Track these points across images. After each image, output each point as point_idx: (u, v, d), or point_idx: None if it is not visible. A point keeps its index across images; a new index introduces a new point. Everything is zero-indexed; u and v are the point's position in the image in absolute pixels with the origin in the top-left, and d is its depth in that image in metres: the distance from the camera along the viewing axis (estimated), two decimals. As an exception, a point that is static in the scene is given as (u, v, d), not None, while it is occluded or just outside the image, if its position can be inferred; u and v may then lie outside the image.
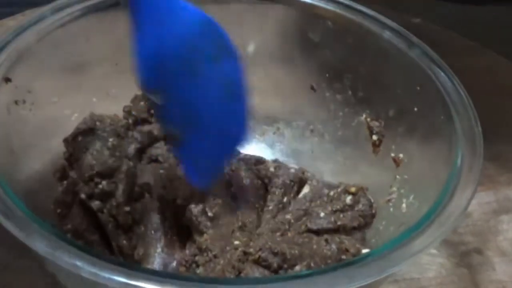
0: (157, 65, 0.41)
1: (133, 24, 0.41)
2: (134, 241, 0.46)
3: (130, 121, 0.51)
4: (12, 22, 0.49)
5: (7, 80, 0.46)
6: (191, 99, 0.43)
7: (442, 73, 0.48)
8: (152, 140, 0.51)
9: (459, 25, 0.77)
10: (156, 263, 0.45)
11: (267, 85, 0.57)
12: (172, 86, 0.43)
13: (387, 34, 0.51)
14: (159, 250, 0.45)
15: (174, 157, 0.49)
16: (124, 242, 0.46)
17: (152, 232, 0.45)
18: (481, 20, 0.83)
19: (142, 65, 0.41)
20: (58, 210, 0.47)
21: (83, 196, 0.47)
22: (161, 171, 0.47)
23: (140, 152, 0.50)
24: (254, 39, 0.56)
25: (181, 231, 0.47)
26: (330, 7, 0.53)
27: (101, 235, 0.46)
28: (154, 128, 0.51)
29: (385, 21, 0.52)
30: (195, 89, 0.43)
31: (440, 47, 0.50)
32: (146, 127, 0.51)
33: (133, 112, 0.51)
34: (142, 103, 0.51)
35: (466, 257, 0.53)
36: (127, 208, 0.46)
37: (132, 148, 0.49)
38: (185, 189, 0.47)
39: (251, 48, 0.56)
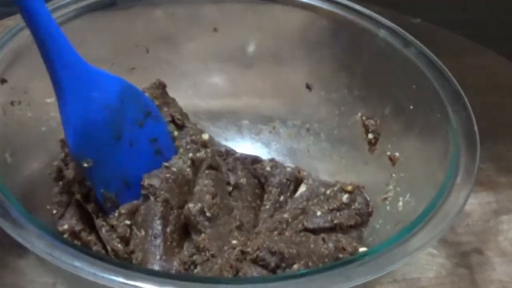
0: (85, 132, 0.44)
1: (57, 95, 0.43)
2: (131, 245, 0.45)
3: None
4: (12, 22, 0.49)
5: (3, 81, 0.46)
6: (119, 161, 0.46)
7: (438, 72, 0.48)
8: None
9: (459, 25, 0.77)
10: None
11: (263, 84, 0.58)
12: (101, 150, 0.45)
13: (382, 33, 0.51)
14: (158, 257, 0.44)
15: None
16: (119, 245, 0.45)
17: (152, 238, 0.45)
18: (481, 20, 0.83)
19: (70, 133, 0.43)
20: (54, 211, 0.47)
21: (78, 197, 0.47)
22: (168, 175, 0.47)
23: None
24: (252, 39, 0.56)
25: (182, 231, 0.47)
26: (326, 6, 0.53)
27: (97, 235, 0.46)
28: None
29: (381, 20, 0.52)
30: (123, 151, 0.46)
31: (440, 47, 0.51)
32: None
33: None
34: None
35: (466, 257, 0.53)
36: (127, 222, 0.46)
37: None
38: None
39: (249, 47, 0.57)
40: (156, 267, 0.44)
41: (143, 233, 0.45)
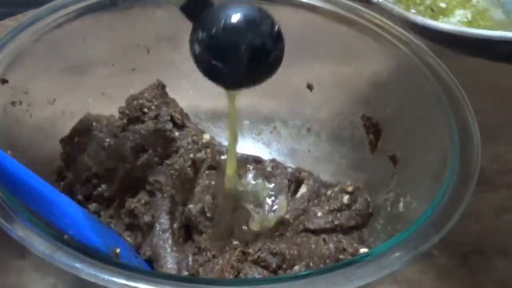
0: None
1: None
2: (139, 239, 0.46)
3: (125, 121, 0.51)
4: (12, 23, 0.49)
5: (4, 81, 0.46)
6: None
7: (439, 73, 0.48)
8: (145, 139, 0.50)
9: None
10: (170, 262, 0.45)
11: (264, 85, 0.57)
12: None
13: (384, 33, 0.51)
14: (168, 250, 0.45)
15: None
16: (128, 239, 0.46)
17: (161, 232, 0.46)
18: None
19: None
20: (56, 211, 0.47)
21: (80, 197, 0.47)
22: (172, 171, 0.47)
23: (136, 151, 0.50)
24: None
25: (185, 230, 0.47)
26: (328, 6, 0.53)
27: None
28: (148, 126, 0.51)
29: (381, 20, 0.52)
30: None
31: (440, 47, 0.50)
32: (139, 126, 0.51)
33: (126, 112, 0.51)
34: (135, 102, 0.51)
35: (467, 257, 0.53)
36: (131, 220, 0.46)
37: (127, 148, 0.49)
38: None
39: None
40: (170, 259, 0.45)
41: (150, 229, 0.46)
